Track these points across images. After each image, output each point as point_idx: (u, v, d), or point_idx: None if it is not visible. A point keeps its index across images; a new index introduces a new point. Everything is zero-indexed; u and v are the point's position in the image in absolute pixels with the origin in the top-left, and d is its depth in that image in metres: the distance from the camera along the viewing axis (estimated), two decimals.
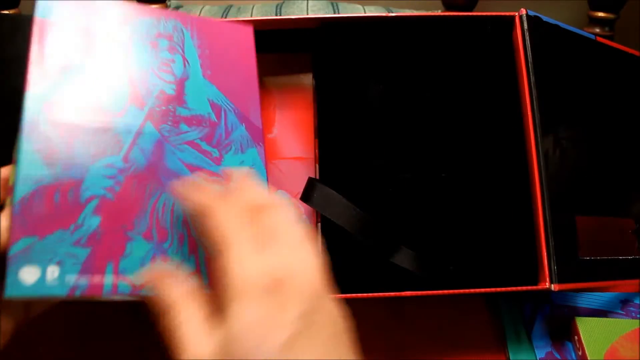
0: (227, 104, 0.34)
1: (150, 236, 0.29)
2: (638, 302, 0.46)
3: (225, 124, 0.34)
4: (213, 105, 0.34)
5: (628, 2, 0.65)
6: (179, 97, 0.33)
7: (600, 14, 0.65)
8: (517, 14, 0.41)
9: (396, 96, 0.42)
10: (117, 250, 0.28)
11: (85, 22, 0.32)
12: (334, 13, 0.61)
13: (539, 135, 0.39)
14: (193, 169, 0.31)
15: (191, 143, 0.32)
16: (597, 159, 0.43)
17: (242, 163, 0.33)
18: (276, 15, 0.61)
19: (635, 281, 0.43)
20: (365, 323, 0.45)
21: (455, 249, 0.39)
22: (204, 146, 0.32)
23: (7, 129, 0.39)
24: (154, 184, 0.30)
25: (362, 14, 0.42)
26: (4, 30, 0.40)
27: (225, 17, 0.63)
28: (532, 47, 0.40)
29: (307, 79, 0.47)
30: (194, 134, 0.32)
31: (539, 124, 0.39)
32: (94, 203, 0.28)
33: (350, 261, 0.39)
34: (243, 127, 0.35)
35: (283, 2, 0.63)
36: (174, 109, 0.32)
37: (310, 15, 0.42)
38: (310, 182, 0.38)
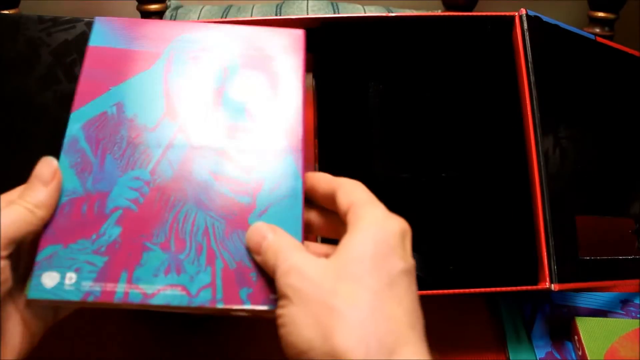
0: None
1: (167, 246, 0.29)
2: (638, 302, 0.46)
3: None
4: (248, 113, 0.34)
5: (628, 2, 0.65)
6: (216, 106, 0.33)
7: (600, 14, 0.65)
8: (517, 14, 0.41)
9: (396, 96, 0.42)
10: (133, 260, 0.28)
11: (128, 43, 0.34)
12: (334, 13, 0.61)
13: (539, 135, 0.39)
14: (220, 178, 0.31)
15: (221, 152, 0.32)
16: (597, 159, 0.43)
17: (273, 168, 0.33)
18: (276, 15, 0.61)
19: (635, 281, 0.43)
20: None
21: (455, 249, 0.39)
22: (234, 154, 0.32)
23: (7, 128, 0.39)
24: (179, 194, 0.30)
25: (362, 14, 0.42)
26: (4, 30, 0.40)
27: (225, 17, 0.63)
28: (532, 47, 0.40)
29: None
30: (225, 142, 0.32)
31: (539, 124, 0.39)
32: (117, 214, 0.29)
33: None
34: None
35: (283, 2, 0.63)
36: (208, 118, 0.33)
37: (311, 15, 0.42)
38: None
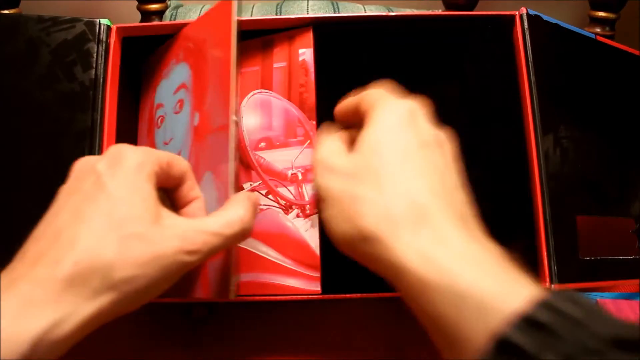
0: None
1: None
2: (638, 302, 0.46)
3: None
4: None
5: (628, 2, 0.65)
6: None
7: (601, 14, 0.65)
8: (517, 13, 0.41)
9: None
10: None
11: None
12: (335, 12, 0.61)
13: (539, 135, 0.39)
14: None
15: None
16: (598, 158, 0.43)
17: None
18: (276, 14, 0.61)
19: (635, 281, 0.43)
20: (365, 323, 0.45)
21: None
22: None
23: (7, 128, 0.39)
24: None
25: (363, 14, 0.42)
26: (4, 30, 0.40)
27: None
28: (533, 47, 0.40)
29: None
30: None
31: (539, 124, 0.39)
32: None
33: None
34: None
35: (283, 2, 0.63)
36: None
37: (311, 15, 0.42)
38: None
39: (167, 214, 0.28)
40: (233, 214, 0.29)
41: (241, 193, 0.31)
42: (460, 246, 0.25)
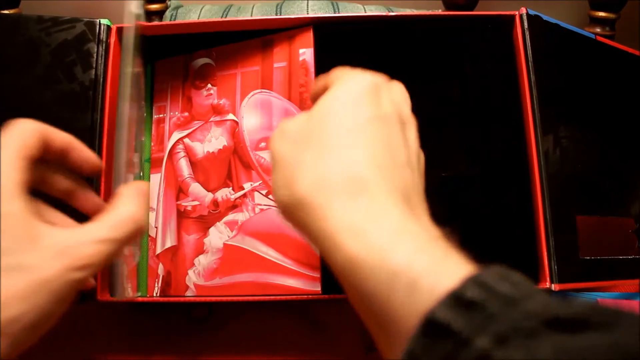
0: None
1: None
2: (638, 302, 0.46)
3: None
4: None
5: (628, 2, 0.65)
6: None
7: (601, 14, 0.65)
8: (517, 13, 0.41)
9: None
10: None
11: None
12: (335, 12, 0.61)
13: (539, 134, 0.39)
14: None
15: None
16: (598, 158, 0.43)
17: None
18: (276, 14, 0.61)
19: (635, 281, 0.43)
20: None
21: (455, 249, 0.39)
22: None
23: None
24: None
25: (363, 14, 0.42)
26: (4, 30, 0.40)
27: (225, 17, 0.63)
28: (532, 47, 0.40)
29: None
30: None
31: (539, 124, 0.39)
32: None
33: None
34: None
35: (283, 2, 0.63)
36: None
37: (311, 15, 0.42)
38: None
39: (44, 230, 0.24)
40: (123, 212, 0.26)
41: (129, 186, 0.28)
42: (396, 222, 0.23)
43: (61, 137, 0.29)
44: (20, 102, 0.40)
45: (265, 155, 0.41)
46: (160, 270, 0.42)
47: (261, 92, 0.42)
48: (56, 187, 0.30)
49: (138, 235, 0.27)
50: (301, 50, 0.41)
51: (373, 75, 0.29)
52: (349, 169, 0.25)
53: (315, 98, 0.32)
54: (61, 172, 0.30)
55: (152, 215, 0.43)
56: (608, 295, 0.46)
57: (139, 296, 0.41)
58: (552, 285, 0.37)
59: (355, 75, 0.29)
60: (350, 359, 0.44)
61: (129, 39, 0.32)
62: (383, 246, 0.22)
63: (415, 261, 0.22)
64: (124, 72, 0.31)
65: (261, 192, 0.40)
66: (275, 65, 0.42)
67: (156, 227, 0.43)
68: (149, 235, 0.43)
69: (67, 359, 0.43)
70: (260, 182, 0.40)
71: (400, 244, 0.22)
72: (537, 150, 0.39)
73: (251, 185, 0.41)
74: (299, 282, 0.38)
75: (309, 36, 0.41)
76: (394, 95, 0.29)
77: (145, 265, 0.43)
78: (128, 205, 0.27)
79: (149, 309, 0.47)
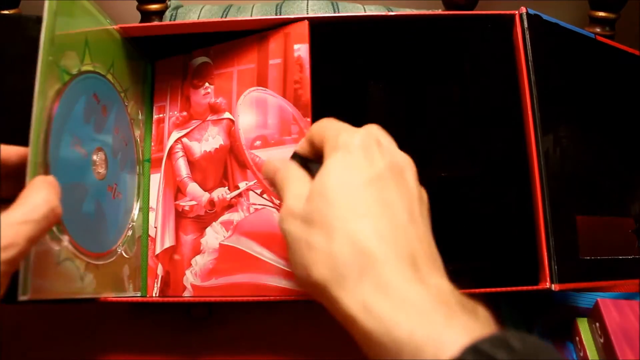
0: None
1: None
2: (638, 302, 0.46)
3: None
4: None
5: (628, 2, 0.65)
6: None
7: (601, 14, 0.65)
8: (517, 12, 0.41)
9: (396, 96, 0.41)
10: None
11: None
12: (335, 12, 0.61)
13: (539, 134, 0.39)
14: None
15: None
16: (598, 158, 0.43)
17: None
18: (276, 14, 0.61)
19: (635, 281, 0.43)
20: None
21: (455, 249, 0.39)
22: None
23: (7, 128, 0.39)
24: None
25: (363, 13, 0.42)
26: (4, 30, 0.40)
27: (225, 17, 0.63)
28: (532, 46, 0.40)
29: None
30: None
31: (539, 124, 0.39)
32: None
33: None
34: None
35: (283, 2, 0.63)
36: None
37: (311, 15, 0.42)
38: None
39: None
40: (35, 197, 0.28)
41: (37, 179, 0.30)
42: (402, 292, 0.25)
43: None
44: (20, 102, 0.40)
45: (260, 154, 0.41)
46: (160, 270, 0.42)
47: (257, 89, 0.42)
48: None
49: (56, 217, 0.29)
50: (296, 46, 0.41)
51: (361, 131, 0.30)
52: (354, 245, 0.26)
53: (306, 151, 0.33)
54: None
55: (152, 215, 0.43)
56: (608, 295, 0.46)
57: (140, 296, 0.41)
58: (552, 285, 0.37)
59: (344, 137, 0.29)
60: (350, 358, 0.44)
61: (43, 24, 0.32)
62: (391, 319, 0.24)
63: (418, 332, 0.23)
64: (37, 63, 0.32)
65: (256, 191, 0.40)
66: (271, 62, 0.42)
67: (155, 227, 0.43)
68: (149, 235, 0.43)
69: (67, 359, 0.43)
70: (255, 181, 0.40)
71: (405, 315, 0.24)
72: (537, 150, 0.39)
73: (246, 184, 0.41)
74: (293, 283, 0.38)
75: (304, 31, 0.41)
76: (383, 145, 0.30)
77: (145, 265, 0.43)
78: (39, 192, 0.29)
79: (149, 309, 0.47)
